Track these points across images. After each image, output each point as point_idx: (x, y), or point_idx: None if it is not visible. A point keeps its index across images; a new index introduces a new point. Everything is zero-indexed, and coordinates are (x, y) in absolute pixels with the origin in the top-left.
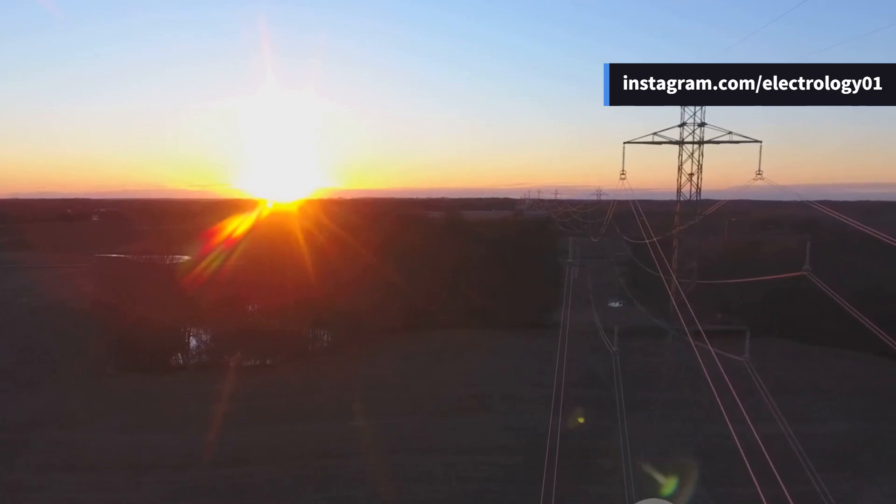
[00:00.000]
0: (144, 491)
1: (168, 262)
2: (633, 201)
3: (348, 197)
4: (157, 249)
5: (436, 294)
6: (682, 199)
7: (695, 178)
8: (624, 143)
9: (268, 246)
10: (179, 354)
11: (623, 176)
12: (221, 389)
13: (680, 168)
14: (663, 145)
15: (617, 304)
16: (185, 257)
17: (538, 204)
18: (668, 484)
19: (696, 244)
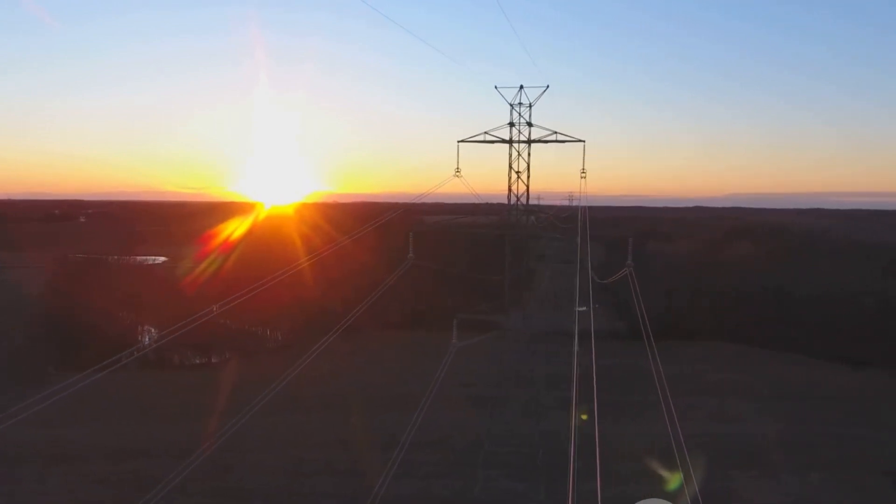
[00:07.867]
0: (51, 482)
1: (135, 263)
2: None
3: (344, 201)
4: (132, 250)
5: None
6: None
7: (523, 175)
8: (458, 141)
9: (239, 249)
10: (125, 353)
11: (458, 173)
12: (156, 388)
13: (510, 167)
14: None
15: (582, 309)
16: (162, 258)
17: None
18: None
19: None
